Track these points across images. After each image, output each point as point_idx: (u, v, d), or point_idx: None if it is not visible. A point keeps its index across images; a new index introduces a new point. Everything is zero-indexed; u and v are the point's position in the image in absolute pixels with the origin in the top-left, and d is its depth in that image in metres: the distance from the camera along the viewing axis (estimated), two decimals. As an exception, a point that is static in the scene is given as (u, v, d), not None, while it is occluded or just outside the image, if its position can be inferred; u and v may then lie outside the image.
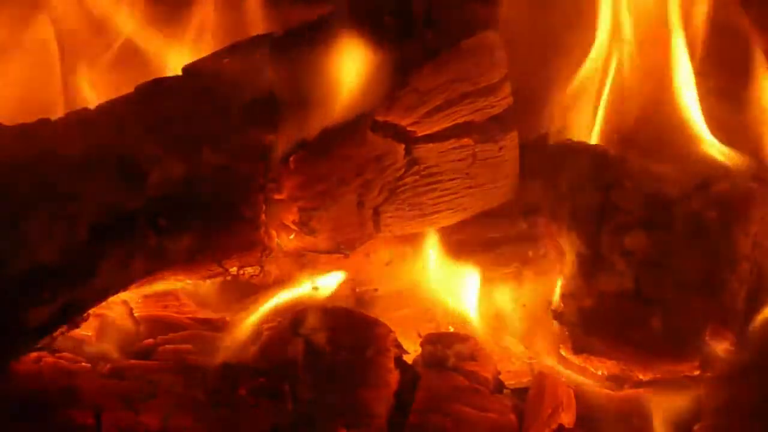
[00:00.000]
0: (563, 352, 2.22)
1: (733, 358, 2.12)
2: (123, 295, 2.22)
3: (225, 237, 2.17)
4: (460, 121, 2.31)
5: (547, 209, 2.25)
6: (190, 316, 2.35)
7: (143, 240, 2.10)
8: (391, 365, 2.13)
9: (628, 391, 2.19)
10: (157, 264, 2.13)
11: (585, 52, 2.50)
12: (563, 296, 2.21)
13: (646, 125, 2.45)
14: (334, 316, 2.16)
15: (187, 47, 2.51)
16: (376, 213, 2.27)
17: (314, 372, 2.10)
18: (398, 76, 2.26)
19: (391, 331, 2.16)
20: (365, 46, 2.23)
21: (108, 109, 2.21)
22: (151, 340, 2.25)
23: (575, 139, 2.40)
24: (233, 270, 2.23)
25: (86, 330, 2.22)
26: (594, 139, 2.41)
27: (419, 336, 2.24)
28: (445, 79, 2.28)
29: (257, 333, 2.20)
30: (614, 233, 2.18)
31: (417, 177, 2.29)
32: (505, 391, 2.19)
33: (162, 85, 2.25)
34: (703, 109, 2.43)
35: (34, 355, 2.13)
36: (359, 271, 2.40)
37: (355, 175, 2.23)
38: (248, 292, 2.33)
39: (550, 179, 2.25)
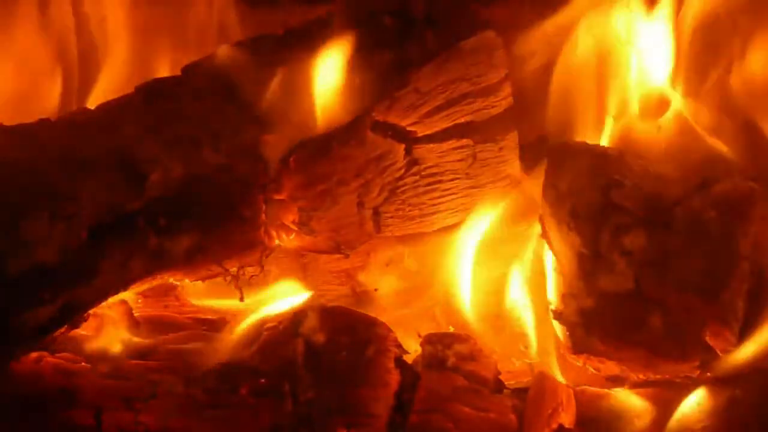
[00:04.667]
0: (563, 352, 2.22)
1: (733, 358, 2.12)
2: (123, 295, 2.22)
3: (225, 237, 2.17)
4: (460, 121, 2.31)
5: (547, 209, 2.25)
6: (190, 316, 2.35)
7: (143, 240, 2.10)
8: (391, 365, 2.13)
9: (628, 391, 2.19)
10: (157, 264, 2.13)
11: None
12: (563, 296, 2.21)
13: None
14: (334, 316, 2.16)
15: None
16: (376, 213, 2.27)
17: (314, 372, 2.10)
18: (398, 76, 2.26)
19: (391, 331, 2.16)
20: (365, 46, 2.23)
21: (108, 109, 2.21)
22: (151, 340, 2.25)
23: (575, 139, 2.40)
24: (233, 270, 2.23)
25: (86, 330, 2.22)
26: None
27: (419, 336, 2.23)
28: (445, 79, 2.29)
29: (257, 333, 2.19)
30: (614, 233, 2.18)
31: (417, 177, 2.29)
32: (505, 391, 2.18)
33: (162, 85, 2.26)
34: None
35: (34, 355, 2.13)
36: (359, 271, 2.40)
37: (355, 176, 2.23)
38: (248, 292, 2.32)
39: (550, 179, 2.25)
